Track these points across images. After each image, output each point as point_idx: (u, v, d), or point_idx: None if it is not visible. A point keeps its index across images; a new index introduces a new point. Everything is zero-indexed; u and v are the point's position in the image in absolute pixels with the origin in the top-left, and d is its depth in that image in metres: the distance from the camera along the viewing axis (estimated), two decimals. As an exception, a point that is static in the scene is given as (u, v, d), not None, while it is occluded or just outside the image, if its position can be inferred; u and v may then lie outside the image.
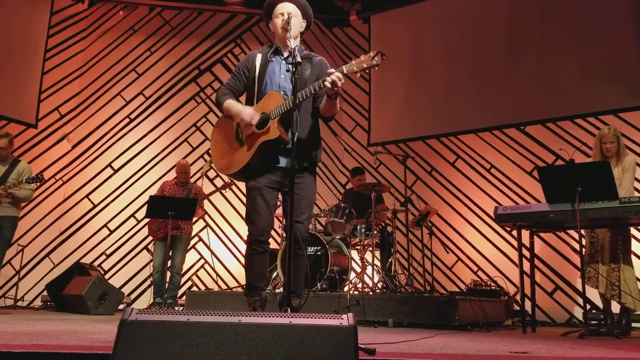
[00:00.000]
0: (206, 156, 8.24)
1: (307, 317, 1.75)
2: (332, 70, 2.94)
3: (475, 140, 7.57)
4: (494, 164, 7.37)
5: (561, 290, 6.59)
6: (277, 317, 1.75)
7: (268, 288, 5.76)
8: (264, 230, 3.21)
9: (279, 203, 3.51)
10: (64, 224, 7.91)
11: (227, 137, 3.30)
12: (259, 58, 3.35)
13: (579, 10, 7.02)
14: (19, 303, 7.12)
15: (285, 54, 3.33)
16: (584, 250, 4.47)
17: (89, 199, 8.04)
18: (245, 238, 3.33)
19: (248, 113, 3.17)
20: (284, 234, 6.39)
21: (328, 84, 2.90)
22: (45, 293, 7.08)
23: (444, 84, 7.88)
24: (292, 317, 1.74)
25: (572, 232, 6.18)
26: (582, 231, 4.83)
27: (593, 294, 5.39)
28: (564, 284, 6.58)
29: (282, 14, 3.25)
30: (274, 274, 5.96)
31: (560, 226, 4.65)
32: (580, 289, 4.24)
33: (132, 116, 8.37)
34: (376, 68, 2.90)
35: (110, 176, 8.16)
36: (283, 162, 3.19)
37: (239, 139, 3.23)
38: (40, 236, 7.72)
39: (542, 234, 6.59)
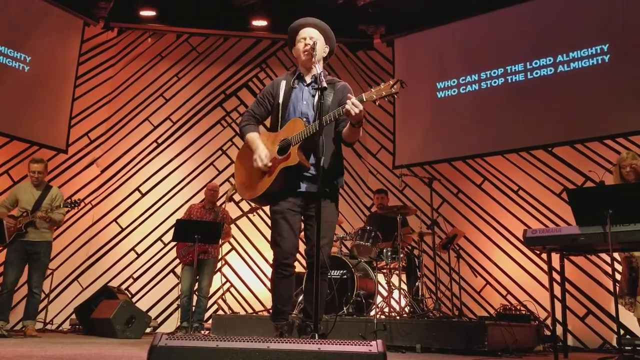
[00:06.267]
0: (232, 179, 8.29)
1: (336, 344, 1.74)
2: (350, 96, 2.97)
3: (502, 162, 7.49)
4: (522, 185, 7.27)
5: (593, 315, 6.43)
6: (305, 343, 1.74)
7: (294, 312, 5.72)
8: (289, 253, 3.22)
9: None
10: (92, 247, 8.00)
11: (249, 163, 3.32)
12: (283, 85, 3.39)
13: (609, 26, 6.94)
14: (48, 326, 7.19)
15: (308, 80, 3.37)
16: (618, 275, 4.36)
17: (117, 223, 8.14)
18: (271, 261, 3.34)
19: (261, 156, 3.23)
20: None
21: (344, 110, 2.95)
22: (73, 316, 7.15)
23: (469, 105, 7.84)
24: (321, 344, 1.73)
25: (603, 256, 6.05)
26: (618, 255, 4.74)
27: (627, 319, 5.25)
28: (596, 309, 6.42)
29: (305, 39, 3.30)
30: (300, 298, 5.93)
31: (591, 249, 4.56)
32: (614, 313, 4.14)
33: (159, 140, 8.49)
34: (396, 97, 2.92)
35: (138, 200, 8.26)
36: (304, 187, 3.22)
37: None
38: (69, 260, 7.82)
39: (572, 257, 6.45)
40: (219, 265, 7.61)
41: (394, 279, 6.04)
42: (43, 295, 7.23)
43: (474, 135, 7.68)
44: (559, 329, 4.54)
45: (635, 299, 4.47)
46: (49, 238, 6.06)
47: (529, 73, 7.44)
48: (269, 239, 3.38)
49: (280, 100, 3.34)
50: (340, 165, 3.37)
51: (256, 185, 3.26)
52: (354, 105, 2.94)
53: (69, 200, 6.04)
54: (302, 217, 3.30)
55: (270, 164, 3.20)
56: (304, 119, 3.23)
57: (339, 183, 3.33)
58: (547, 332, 5.82)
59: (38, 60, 7.78)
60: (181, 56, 8.83)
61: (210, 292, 6.97)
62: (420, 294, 6.00)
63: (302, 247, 3.32)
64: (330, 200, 3.28)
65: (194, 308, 6.20)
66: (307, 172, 3.19)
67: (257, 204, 3.55)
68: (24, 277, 5.98)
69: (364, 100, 2.98)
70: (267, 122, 3.52)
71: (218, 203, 6.99)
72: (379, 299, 5.90)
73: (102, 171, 8.29)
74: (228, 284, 8.06)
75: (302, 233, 3.35)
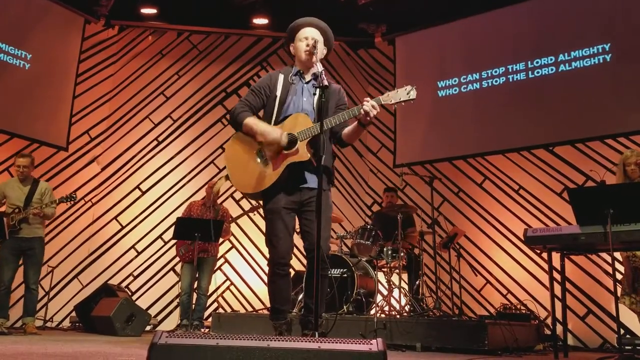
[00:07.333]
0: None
1: (336, 342, 1.74)
2: (368, 99, 3.00)
3: (503, 161, 7.49)
4: (523, 185, 7.27)
5: (593, 314, 6.42)
6: (305, 342, 1.73)
7: (294, 311, 5.71)
8: (285, 253, 3.21)
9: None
10: (92, 245, 8.00)
11: (247, 155, 3.29)
12: (281, 78, 3.37)
13: (610, 25, 6.92)
14: (48, 324, 7.19)
15: (307, 78, 3.37)
16: (619, 275, 4.36)
17: (117, 221, 8.13)
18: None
19: (277, 134, 3.17)
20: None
21: (364, 111, 2.99)
22: (73, 314, 7.14)
23: (470, 104, 7.83)
24: (321, 342, 1.73)
25: (604, 255, 6.05)
26: (619, 255, 4.73)
27: (627, 319, 5.25)
28: (597, 308, 6.42)
29: (307, 38, 3.30)
30: (300, 296, 5.92)
31: (592, 249, 4.55)
32: (614, 313, 4.13)
33: (160, 139, 8.49)
34: (412, 102, 2.97)
35: (138, 198, 8.25)
36: (309, 182, 3.21)
37: (262, 158, 3.24)
38: (69, 257, 7.82)
39: (573, 257, 6.45)
40: (218, 263, 7.61)
41: (394, 278, 6.04)
42: (43, 293, 7.24)
43: (475, 134, 7.67)
44: (559, 328, 4.54)
45: (637, 298, 4.47)
46: (42, 234, 6.05)
47: (530, 72, 7.43)
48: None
49: (278, 94, 3.32)
50: (333, 163, 3.42)
51: (258, 178, 3.21)
52: (373, 107, 3.00)
53: (64, 196, 6.01)
54: (298, 214, 3.28)
55: (286, 140, 3.17)
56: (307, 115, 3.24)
57: (332, 178, 3.39)
58: (547, 332, 5.81)
59: (39, 57, 7.77)
60: (182, 54, 8.82)
61: (210, 290, 6.97)
62: (420, 292, 5.99)
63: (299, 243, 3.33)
64: (328, 194, 3.29)
65: (193, 306, 6.20)
66: (310, 167, 3.19)
67: (253, 198, 3.52)
68: (20, 275, 5.97)
69: (382, 103, 3.02)
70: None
71: (218, 201, 6.98)
72: (379, 297, 5.89)
73: (103, 169, 8.28)
74: (228, 282, 8.05)
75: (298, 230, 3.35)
